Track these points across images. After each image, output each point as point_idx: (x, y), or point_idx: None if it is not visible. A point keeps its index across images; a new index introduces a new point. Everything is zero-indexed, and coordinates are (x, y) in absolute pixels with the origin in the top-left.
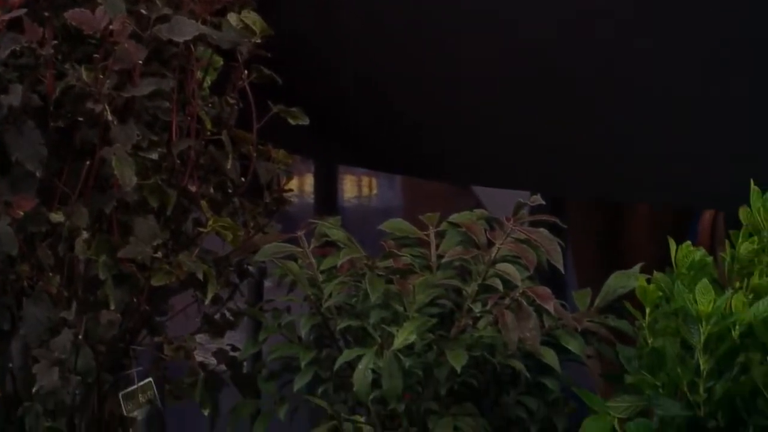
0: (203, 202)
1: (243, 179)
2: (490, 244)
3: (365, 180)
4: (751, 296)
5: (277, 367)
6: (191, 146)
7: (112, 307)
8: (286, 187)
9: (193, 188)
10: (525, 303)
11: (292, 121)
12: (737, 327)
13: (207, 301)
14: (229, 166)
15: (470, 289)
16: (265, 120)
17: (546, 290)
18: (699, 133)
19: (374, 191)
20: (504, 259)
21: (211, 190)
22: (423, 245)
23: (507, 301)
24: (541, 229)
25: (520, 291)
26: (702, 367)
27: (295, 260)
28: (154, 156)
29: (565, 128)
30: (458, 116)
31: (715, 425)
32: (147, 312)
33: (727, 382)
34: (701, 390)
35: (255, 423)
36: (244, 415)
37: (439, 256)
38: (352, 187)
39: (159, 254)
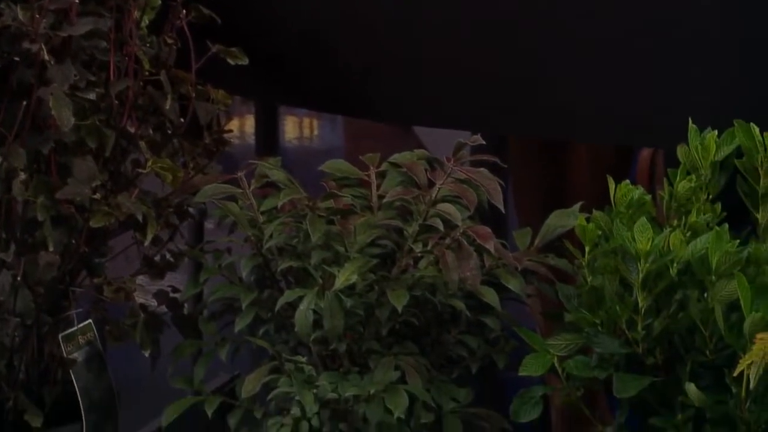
0: (142, 143)
1: (182, 120)
2: (431, 184)
3: (306, 121)
4: (688, 234)
5: (218, 308)
6: (129, 86)
7: (51, 249)
8: (226, 128)
9: (131, 129)
10: (466, 243)
11: (231, 61)
12: (675, 265)
13: (147, 243)
14: (168, 107)
15: (411, 229)
16: (203, 60)
17: (486, 230)
18: (637, 71)
19: (315, 132)
20: (445, 199)
21: (150, 131)
22: (364, 186)
23: (448, 240)
24: (482, 169)
25: (461, 231)
26: (640, 305)
27: (236, 201)
28: (92, 96)
29: (504, 68)
30: (399, 56)
31: (653, 362)
32: (86, 253)
33: (664, 320)
34: (639, 327)
35: (196, 363)
36: (185, 355)
37: (380, 197)
38: (294, 128)
39: (98, 195)
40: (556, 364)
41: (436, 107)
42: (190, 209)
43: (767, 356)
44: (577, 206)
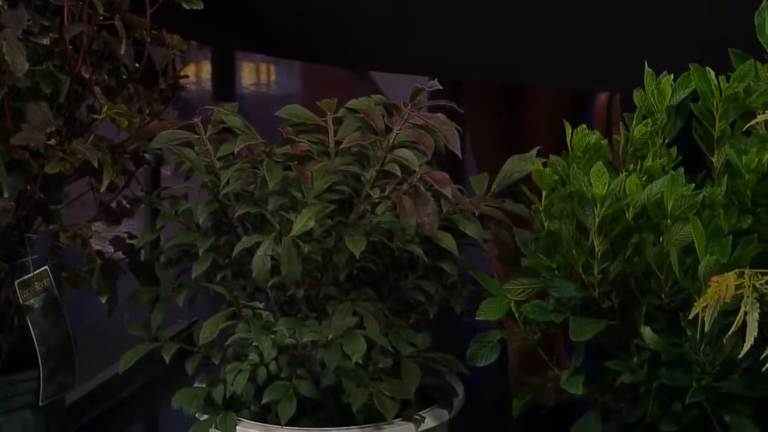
0: (97, 89)
1: (137, 65)
2: (388, 129)
3: (263, 67)
4: (644, 178)
5: (175, 254)
6: (83, 31)
7: (6, 195)
8: (181, 74)
9: (86, 74)
10: (423, 188)
11: (186, 6)
12: (631, 209)
13: (102, 189)
14: (122, 52)
15: (368, 174)
16: (158, 4)
17: (444, 175)
18: (593, 16)
19: (273, 78)
20: (402, 145)
21: (105, 77)
22: (321, 131)
23: (405, 186)
24: (439, 115)
25: (418, 176)
26: (596, 249)
27: (192, 147)
28: (46, 41)
29: (460, 12)
30: (356, 1)
31: (609, 305)
32: (41, 200)
33: (620, 263)
34: (596, 271)
35: (153, 310)
36: (142, 302)
37: (338, 143)
38: (250, 74)
39: (52, 141)
40: (513, 309)
41: (393, 52)
42: (146, 155)
43: (722, 299)
44: (533, 151)
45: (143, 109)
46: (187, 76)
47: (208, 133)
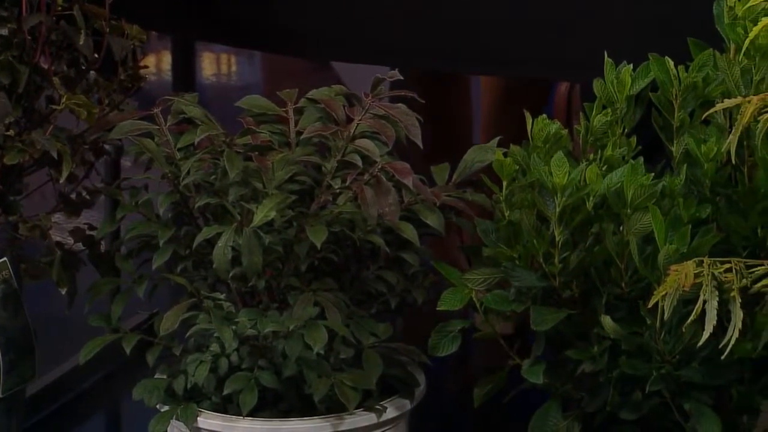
0: (56, 79)
1: (96, 55)
2: (349, 120)
3: (224, 57)
4: (604, 168)
5: (135, 245)
6: (42, 22)
7: None
8: (141, 64)
9: (45, 65)
10: (384, 178)
11: None
12: (591, 198)
13: (62, 180)
14: (81, 42)
15: (329, 165)
16: None
17: (405, 165)
18: (554, 5)
19: (233, 69)
20: (363, 135)
21: (64, 67)
22: (282, 122)
23: (366, 176)
24: (400, 105)
25: (379, 166)
26: (557, 239)
27: (152, 138)
28: (4, 32)
29: (422, 2)
30: None
31: (569, 295)
32: (1, 191)
33: (581, 253)
34: (556, 261)
35: (113, 301)
36: (103, 293)
37: (298, 133)
38: (211, 64)
39: (11, 132)
40: (475, 299)
41: (354, 43)
42: (106, 146)
43: (681, 288)
44: (494, 141)
45: (102, 100)
46: (146, 67)
47: (168, 124)
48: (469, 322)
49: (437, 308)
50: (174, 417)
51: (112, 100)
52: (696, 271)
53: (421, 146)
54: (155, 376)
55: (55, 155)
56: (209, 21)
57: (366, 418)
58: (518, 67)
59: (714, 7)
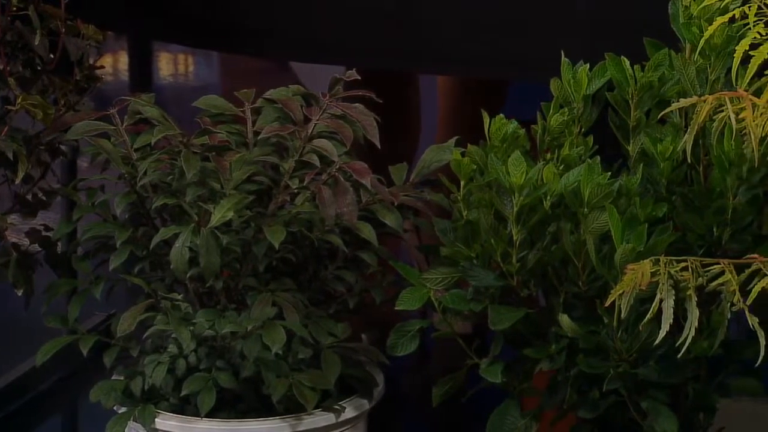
0: (11, 80)
1: (52, 56)
2: (307, 120)
3: (181, 57)
4: (561, 167)
5: (92, 246)
6: None
7: None
8: (97, 64)
9: (0, 65)
10: (342, 178)
11: None
12: (548, 198)
13: (18, 181)
14: (37, 43)
15: (287, 165)
16: None
17: (363, 165)
18: (510, 4)
19: (191, 69)
20: (321, 135)
21: (20, 68)
22: (239, 122)
23: (324, 176)
24: (357, 105)
25: (337, 166)
26: (515, 238)
27: (109, 138)
28: None
29: (380, 2)
30: None
31: (527, 294)
32: None
33: (538, 252)
34: (514, 260)
35: (70, 302)
36: (59, 294)
37: (256, 133)
38: (168, 64)
39: None
40: (433, 298)
41: (311, 43)
42: (62, 147)
43: (637, 286)
44: (452, 141)
45: (59, 100)
46: (103, 67)
47: (125, 124)
48: (427, 322)
49: (395, 308)
50: (132, 418)
51: (68, 100)
52: (652, 270)
53: (378, 145)
54: (113, 378)
55: (10, 156)
56: (166, 21)
57: (324, 418)
58: (475, 67)
59: (669, 7)
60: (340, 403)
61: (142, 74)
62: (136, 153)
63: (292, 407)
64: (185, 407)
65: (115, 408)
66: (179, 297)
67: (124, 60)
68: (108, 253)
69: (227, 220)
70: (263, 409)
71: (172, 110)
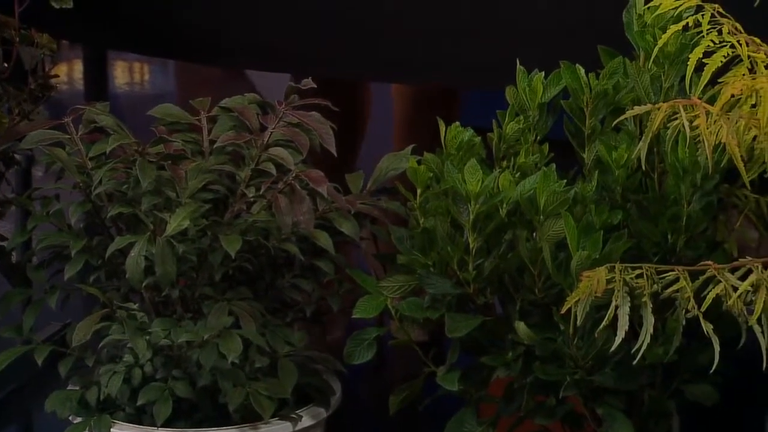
0: None
1: (6, 65)
2: (263, 128)
3: (137, 66)
4: (517, 175)
5: (47, 255)
6: None
7: None
8: (52, 73)
9: None
10: (298, 186)
11: (55, 5)
12: (504, 205)
13: None
14: None
15: (243, 173)
16: (26, 3)
17: (319, 173)
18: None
19: (146, 77)
20: (277, 144)
21: None
22: (195, 130)
23: (280, 185)
24: (313, 113)
25: (294, 175)
26: (471, 246)
27: (63, 147)
28: None
29: (331, 10)
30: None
31: (484, 301)
32: None
33: (495, 260)
34: (470, 268)
35: (25, 312)
36: (14, 304)
37: (212, 141)
38: (123, 73)
39: None
40: (390, 306)
41: (267, 51)
42: (17, 156)
43: (593, 293)
44: (408, 149)
45: (13, 110)
46: (57, 76)
47: (80, 133)
48: (384, 330)
49: (352, 316)
50: (87, 429)
51: (23, 109)
52: (608, 277)
53: (335, 153)
54: (68, 388)
55: None
56: (121, 29)
57: (281, 427)
58: (431, 75)
59: (624, 15)
60: (297, 411)
61: (97, 83)
62: (91, 162)
63: (248, 416)
64: (141, 417)
65: (70, 418)
66: (135, 306)
67: (79, 69)
68: (63, 263)
69: (183, 229)
70: (220, 418)
71: (127, 119)
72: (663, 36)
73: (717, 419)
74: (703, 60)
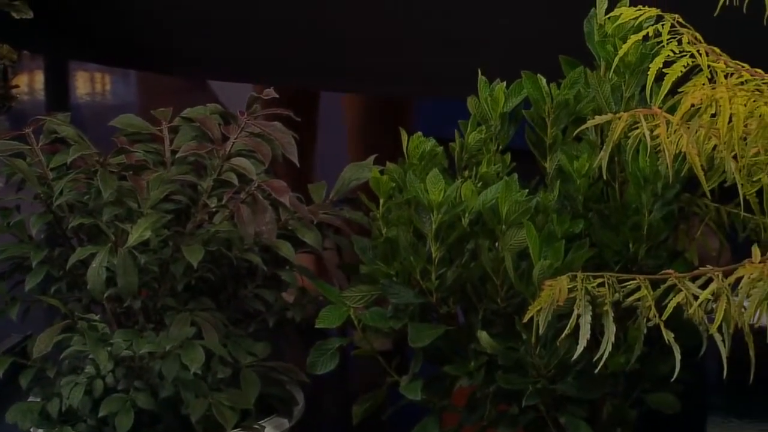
0: None
1: None
2: (225, 138)
3: (98, 76)
4: (479, 185)
5: (8, 267)
6: None
7: None
8: (12, 83)
9: None
10: (261, 197)
11: (15, 15)
12: (467, 215)
13: None
14: None
15: (205, 184)
16: None
17: (282, 183)
18: (429, 23)
19: (108, 87)
20: (239, 154)
21: None
22: (156, 141)
23: (243, 195)
24: (276, 123)
25: (256, 185)
26: (434, 255)
27: (24, 158)
28: None
29: (294, 20)
30: (192, 9)
31: (446, 311)
32: None
33: (457, 269)
34: (433, 277)
35: None
36: None
37: (173, 152)
38: (85, 83)
39: None
40: (353, 316)
41: (230, 61)
42: None
43: (555, 302)
44: (371, 159)
45: None
46: (18, 86)
47: (41, 144)
48: (347, 340)
49: (315, 326)
50: None
51: None
52: (570, 286)
53: (297, 164)
54: (29, 399)
55: None
56: (81, 39)
57: None
58: (392, 85)
59: (585, 25)
60: (260, 422)
61: (58, 93)
62: (52, 173)
63: (211, 427)
64: (103, 429)
65: (31, 430)
66: (96, 317)
67: (39, 79)
68: (24, 274)
69: (145, 239)
70: (182, 429)
71: (89, 129)
72: (623, 46)
73: (678, 428)
74: (664, 70)
